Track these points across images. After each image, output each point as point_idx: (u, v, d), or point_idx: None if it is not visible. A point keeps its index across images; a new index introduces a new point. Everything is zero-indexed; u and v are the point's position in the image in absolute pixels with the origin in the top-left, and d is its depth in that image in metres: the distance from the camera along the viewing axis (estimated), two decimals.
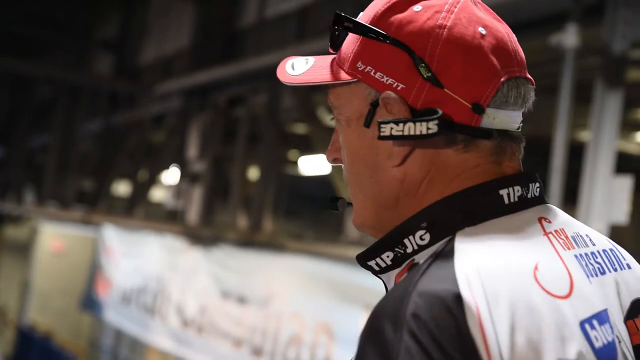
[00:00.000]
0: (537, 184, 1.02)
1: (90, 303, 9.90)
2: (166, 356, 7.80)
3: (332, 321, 5.10)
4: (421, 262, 0.93)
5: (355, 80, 1.01)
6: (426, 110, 0.96)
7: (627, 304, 1.00)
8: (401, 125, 0.96)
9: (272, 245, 6.26)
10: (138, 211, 9.54)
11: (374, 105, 1.00)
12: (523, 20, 4.27)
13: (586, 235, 1.04)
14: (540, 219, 0.99)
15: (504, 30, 1.03)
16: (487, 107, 0.98)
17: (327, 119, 7.54)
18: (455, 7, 0.99)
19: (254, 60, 7.20)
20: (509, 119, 1.01)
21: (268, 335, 5.80)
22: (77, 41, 12.62)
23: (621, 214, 3.50)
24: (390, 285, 1.01)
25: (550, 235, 0.98)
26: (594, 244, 1.04)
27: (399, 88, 0.97)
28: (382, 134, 0.96)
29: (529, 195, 1.00)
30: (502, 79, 0.99)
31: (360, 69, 1.00)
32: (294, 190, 9.92)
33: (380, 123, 0.97)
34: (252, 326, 6.03)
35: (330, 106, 1.07)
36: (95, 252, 10.02)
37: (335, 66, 1.04)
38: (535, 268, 0.91)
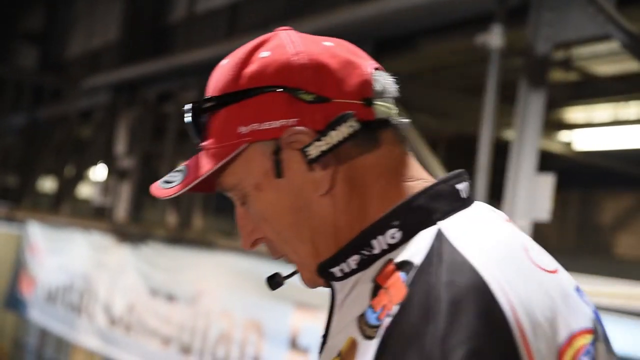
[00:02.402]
0: (470, 181, 1.07)
1: (13, 302, 9.66)
2: (93, 355, 7.67)
3: (261, 319, 5.09)
4: (413, 259, 0.92)
5: (245, 146, 1.01)
6: (331, 122, 0.98)
7: None
8: (323, 139, 0.97)
9: (201, 242, 6.22)
10: (64, 208, 9.35)
11: (277, 153, 1.00)
12: (449, 21, 4.35)
13: None
14: (491, 211, 1.04)
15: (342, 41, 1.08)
16: (373, 99, 1.01)
17: None
18: (294, 37, 1.04)
19: (183, 55, 7.13)
20: (391, 106, 1.05)
21: (197, 333, 5.76)
22: None
23: (544, 211, 3.59)
24: (345, 293, 1.02)
25: (509, 223, 1.03)
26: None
27: (293, 123, 0.98)
28: (310, 157, 0.98)
29: (469, 191, 1.04)
30: (371, 70, 1.03)
31: (244, 132, 1.00)
32: None
33: (303, 149, 0.98)
34: (181, 324, 5.98)
35: (229, 193, 1.07)
36: (19, 249, 9.77)
37: (211, 153, 1.03)
38: (525, 249, 0.95)
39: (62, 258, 8.49)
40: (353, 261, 1.00)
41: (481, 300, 0.85)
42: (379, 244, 0.98)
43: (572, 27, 3.62)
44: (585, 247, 7.57)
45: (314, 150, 0.97)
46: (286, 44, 1.02)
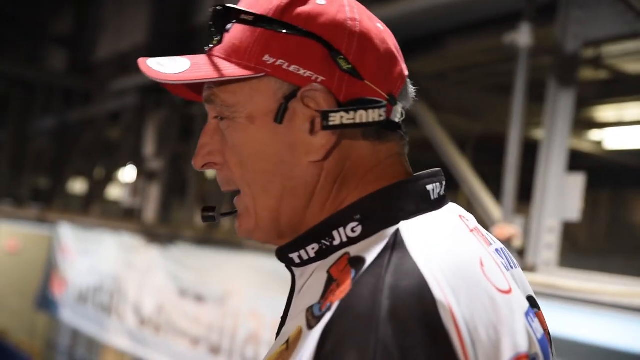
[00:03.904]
0: (444, 182, 1.03)
1: (45, 302, 9.76)
2: (123, 355, 7.73)
3: None
4: (367, 256, 0.89)
5: (261, 75, 0.96)
6: (353, 100, 0.95)
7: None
8: (352, 113, 0.94)
9: (229, 243, 6.24)
10: (94, 209, 9.43)
11: (288, 99, 0.96)
12: (477, 19, 4.32)
13: (488, 233, 1.05)
14: (460, 217, 1.00)
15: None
16: (397, 100, 0.99)
17: None
18: (354, 3, 1.00)
19: None
20: (403, 115, 1.02)
21: (225, 333, 5.78)
22: (29, 36, 12.43)
23: (574, 211, 3.56)
24: (304, 279, 0.99)
25: (474, 232, 0.98)
26: (495, 242, 1.04)
27: (318, 80, 0.95)
28: (331, 123, 0.94)
29: (442, 193, 1.01)
30: (406, 73, 1.01)
31: (268, 62, 0.95)
32: None
33: (327, 112, 0.94)
34: (210, 324, 6.01)
35: (215, 104, 1.01)
36: (50, 250, 9.88)
37: (223, 62, 0.99)
38: (481, 264, 0.91)
39: (93, 259, 8.58)
40: (312, 249, 0.97)
41: (422, 308, 0.81)
42: (339, 235, 0.95)
43: (602, 24, 3.58)
44: (615, 247, 7.49)
45: (336, 119, 0.94)
46: (345, 5, 0.98)
